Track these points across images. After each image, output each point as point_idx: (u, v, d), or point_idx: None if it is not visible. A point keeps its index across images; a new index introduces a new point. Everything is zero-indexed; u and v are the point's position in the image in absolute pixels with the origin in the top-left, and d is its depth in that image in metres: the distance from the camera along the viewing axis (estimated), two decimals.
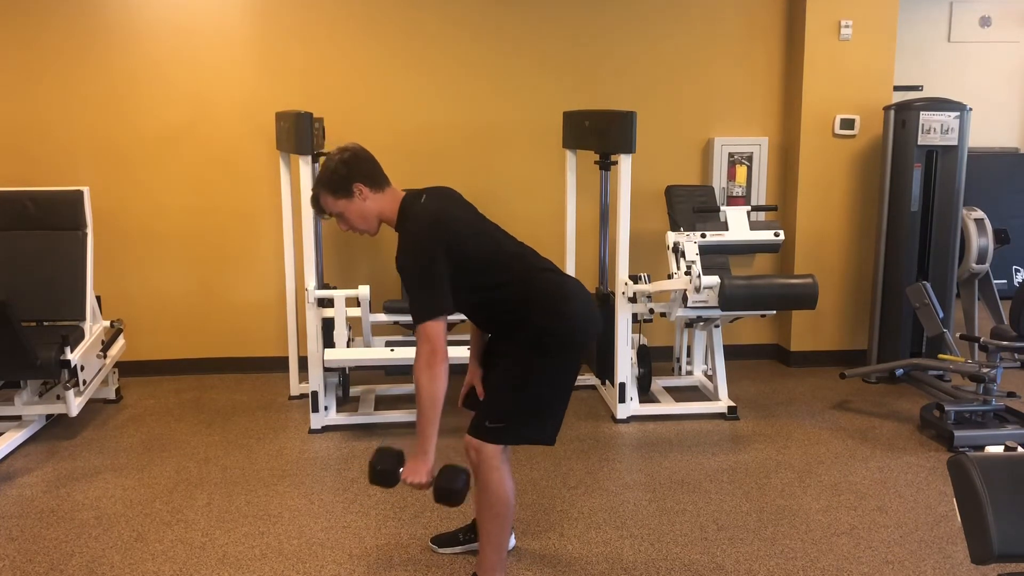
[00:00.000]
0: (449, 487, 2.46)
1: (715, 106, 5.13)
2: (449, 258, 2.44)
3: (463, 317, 4.07)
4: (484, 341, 2.82)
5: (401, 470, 2.50)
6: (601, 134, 4.19)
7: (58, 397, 4.05)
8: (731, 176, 5.15)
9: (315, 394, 4.11)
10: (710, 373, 4.60)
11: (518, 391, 2.54)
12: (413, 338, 4.48)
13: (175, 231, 4.94)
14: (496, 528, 2.61)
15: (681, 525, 3.17)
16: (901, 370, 4.69)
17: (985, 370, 3.97)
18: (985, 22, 6.93)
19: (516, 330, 2.56)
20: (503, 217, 4.95)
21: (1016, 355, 3.95)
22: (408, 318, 4.28)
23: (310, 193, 2.62)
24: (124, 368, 4.82)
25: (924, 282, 4.40)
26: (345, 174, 2.53)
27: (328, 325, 4.13)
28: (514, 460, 3.76)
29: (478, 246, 2.55)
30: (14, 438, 3.93)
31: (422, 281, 2.42)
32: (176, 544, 3.05)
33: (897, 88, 5.23)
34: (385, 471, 2.51)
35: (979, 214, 4.78)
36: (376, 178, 2.57)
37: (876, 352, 4.95)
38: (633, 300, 4.21)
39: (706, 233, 4.22)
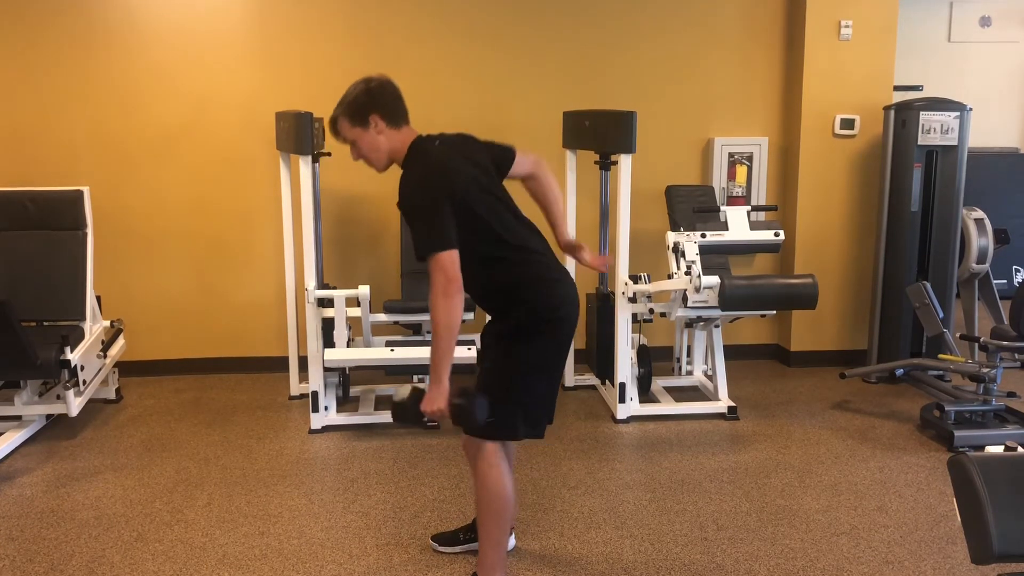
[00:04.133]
0: (464, 402, 2.44)
1: (715, 106, 5.13)
2: (453, 211, 2.40)
3: (469, 316, 4.11)
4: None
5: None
6: (601, 134, 4.19)
7: (58, 397, 4.05)
8: (731, 176, 5.15)
9: (315, 394, 4.11)
10: (710, 373, 4.60)
11: (506, 383, 2.55)
12: (413, 338, 4.50)
13: (175, 231, 4.95)
14: (495, 526, 2.61)
15: (681, 525, 3.17)
16: (901, 370, 4.69)
17: (985, 370, 3.97)
18: (985, 22, 6.93)
19: (506, 312, 2.56)
20: None
21: (1016, 355, 3.95)
22: (408, 318, 4.31)
23: (330, 120, 2.58)
24: (124, 368, 4.82)
25: (924, 282, 4.40)
26: (364, 103, 2.53)
27: (328, 325, 4.13)
28: (515, 460, 3.76)
29: (486, 208, 2.50)
30: (14, 438, 3.93)
31: (427, 215, 2.38)
32: (176, 544, 3.05)
33: (897, 88, 5.23)
34: (404, 405, 2.51)
35: (979, 214, 4.78)
36: (395, 114, 2.56)
37: (876, 352, 4.95)
38: (633, 300, 4.21)
39: (706, 233, 4.22)
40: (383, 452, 3.88)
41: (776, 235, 4.29)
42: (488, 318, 2.76)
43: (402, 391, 2.54)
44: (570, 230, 4.71)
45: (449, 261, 2.36)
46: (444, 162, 2.50)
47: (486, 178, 2.57)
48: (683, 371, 4.91)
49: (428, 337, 4.24)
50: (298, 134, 3.99)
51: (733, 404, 4.32)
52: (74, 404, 3.93)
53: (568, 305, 2.59)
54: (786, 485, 3.52)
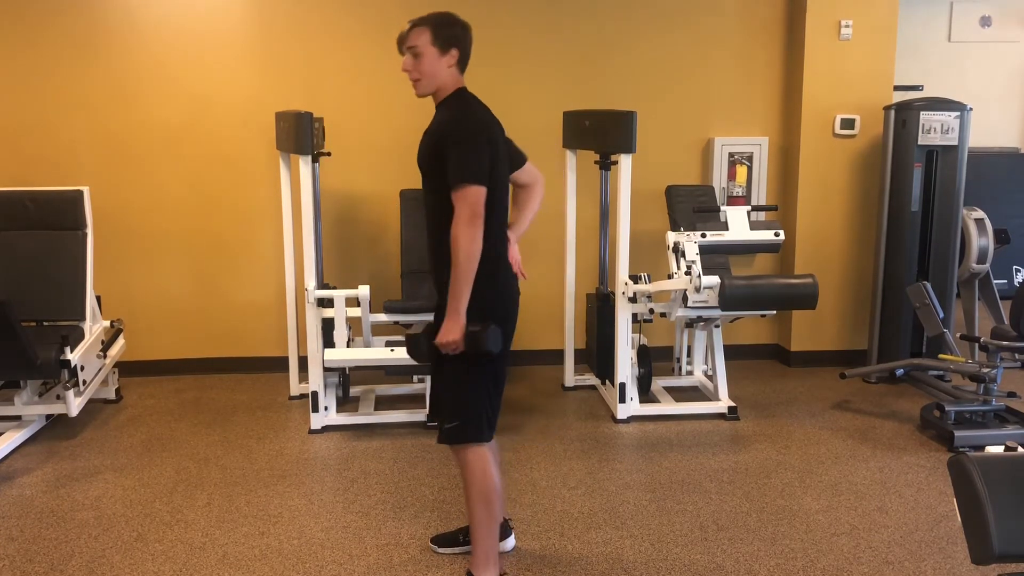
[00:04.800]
0: (479, 330, 2.48)
1: (715, 106, 5.13)
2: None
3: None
4: None
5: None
6: (601, 134, 4.19)
7: (58, 397, 4.04)
8: (731, 176, 5.15)
9: (315, 394, 4.11)
10: (710, 373, 4.60)
11: (464, 380, 2.59)
12: None
13: (175, 231, 4.95)
14: (486, 517, 2.63)
15: (681, 525, 3.17)
16: (901, 370, 4.69)
17: (985, 370, 3.97)
18: (985, 22, 6.93)
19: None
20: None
21: (1016, 355, 3.95)
22: (408, 318, 4.30)
23: (410, 22, 2.55)
24: (124, 368, 4.82)
25: (924, 282, 4.40)
26: (456, 34, 2.55)
27: (328, 325, 4.13)
28: (514, 461, 3.76)
29: (498, 179, 2.55)
30: (14, 438, 3.93)
31: (467, 148, 2.43)
32: (176, 544, 3.05)
33: (897, 88, 5.23)
34: (418, 339, 2.57)
35: (979, 214, 4.78)
36: (465, 60, 2.60)
37: (876, 352, 4.95)
38: (633, 300, 4.21)
39: (706, 233, 4.22)
40: (383, 452, 3.88)
41: (776, 235, 4.29)
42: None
43: (416, 327, 2.58)
44: (570, 230, 4.74)
45: (477, 196, 2.41)
46: (492, 119, 2.58)
47: (505, 162, 2.65)
48: (683, 371, 4.91)
49: None
50: (298, 134, 3.99)
51: (733, 404, 4.32)
52: (74, 404, 3.93)
53: (510, 290, 2.67)
54: (786, 485, 3.52)
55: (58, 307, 4.22)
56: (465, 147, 2.44)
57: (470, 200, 2.39)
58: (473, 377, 2.58)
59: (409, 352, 2.72)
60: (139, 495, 3.45)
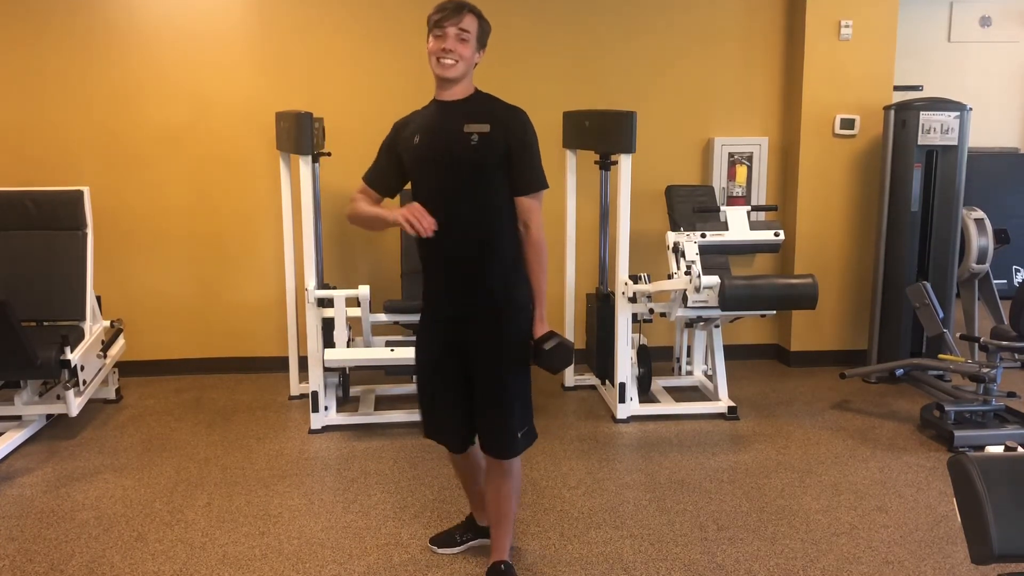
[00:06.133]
0: (565, 340, 2.56)
1: (715, 106, 5.13)
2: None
3: None
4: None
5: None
6: (601, 134, 4.19)
7: (58, 397, 4.05)
8: (731, 176, 5.15)
9: (315, 394, 4.11)
10: (710, 373, 4.60)
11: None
12: (413, 338, 4.49)
13: (175, 231, 4.95)
14: (517, 510, 2.82)
15: (681, 525, 3.17)
16: (901, 370, 4.69)
17: (985, 370, 3.97)
18: (985, 22, 6.92)
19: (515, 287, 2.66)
20: None
21: (1016, 355, 3.95)
22: (408, 318, 4.30)
23: (462, 4, 2.50)
24: (124, 368, 4.82)
25: (924, 282, 4.40)
26: (486, 42, 2.60)
27: (328, 325, 4.13)
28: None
29: None
30: (14, 438, 3.93)
31: (538, 153, 2.61)
32: (176, 544, 3.05)
33: (897, 88, 5.23)
34: (565, 347, 2.55)
35: (979, 214, 4.78)
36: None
37: (876, 352, 4.95)
38: (633, 300, 4.21)
39: (706, 233, 4.22)
40: (383, 452, 3.88)
41: (776, 235, 4.29)
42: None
43: (550, 340, 2.52)
44: (570, 230, 4.74)
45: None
46: None
47: None
48: (683, 371, 4.91)
49: None
50: (298, 134, 3.99)
51: (733, 404, 4.32)
52: (74, 404, 3.93)
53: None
54: (786, 485, 3.52)
55: (58, 307, 4.22)
56: (537, 152, 2.58)
57: (541, 203, 2.54)
58: (528, 380, 2.64)
59: (559, 364, 2.53)
60: (139, 495, 3.45)
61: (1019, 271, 6.78)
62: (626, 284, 4.15)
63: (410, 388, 4.68)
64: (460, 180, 2.49)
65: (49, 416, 4.26)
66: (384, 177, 2.68)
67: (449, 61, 2.46)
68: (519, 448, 2.61)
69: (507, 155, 2.50)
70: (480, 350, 2.55)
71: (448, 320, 2.59)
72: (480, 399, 2.60)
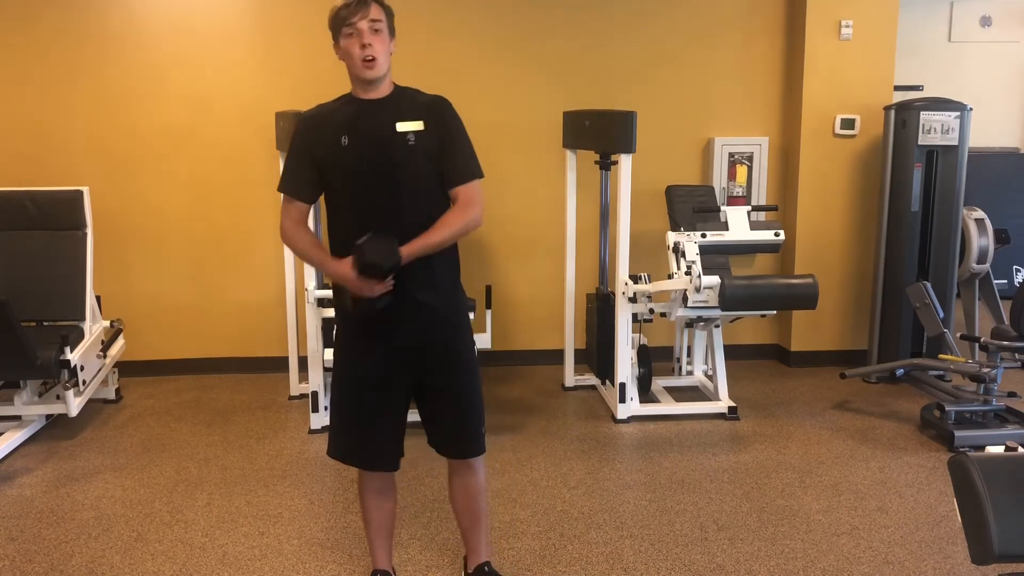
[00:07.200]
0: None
1: (715, 106, 5.13)
2: None
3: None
4: None
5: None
6: (601, 134, 4.19)
7: (58, 397, 4.05)
8: (731, 176, 5.15)
9: (315, 394, 4.11)
10: (710, 373, 4.60)
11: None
12: None
13: (175, 231, 4.95)
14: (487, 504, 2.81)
15: (681, 525, 3.17)
16: (901, 370, 4.69)
17: (985, 370, 3.97)
18: (985, 22, 6.92)
19: (455, 286, 2.62)
20: (503, 217, 4.98)
21: (1016, 355, 3.94)
22: None
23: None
24: (124, 368, 4.82)
25: (924, 282, 4.40)
26: (393, 16, 2.39)
27: (328, 325, 4.13)
28: (514, 461, 3.76)
29: None
30: (14, 438, 3.93)
31: (469, 140, 2.45)
32: (176, 544, 3.05)
33: (897, 88, 5.23)
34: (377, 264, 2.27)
35: (979, 214, 4.78)
36: None
37: (876, 352, 4.95)
38: (633, 300, 4.21)
39: (706, 233, 4.22)
40: None
41: (776, 235, 4.29)
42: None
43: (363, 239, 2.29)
44: (570, 230, 4.73)
45: (480, 191, 2.44)
46: None
47: None
48: (683, 371, 4.90)
49: None
50: None
51: (733, 404, 4.32)
52: (74, 404, 3.93)
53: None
54: (786, 485, 3.52)
55: (58, 307, 4.22)
56: (468, 142, 2.45)
57: (478, 193, 2.43)
58: (479, 376, 2.61)
59: (372, 256, 2.25)
60: (139, 495, 3.45)
61: (1020, 271, 6.78)
62: (626, 284, 4.15)
63: None
64: (400, 190, 2.33)
65: (49, 416, 4.26)
66: (308, 183, 2.42)
67: (371, 60, 2.29)
68: (483, 443, 2.61)
69: (440, 148, 2.36)
70: (434, 362, 2.47)
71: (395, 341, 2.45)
72: (438, 406, 2.53)
